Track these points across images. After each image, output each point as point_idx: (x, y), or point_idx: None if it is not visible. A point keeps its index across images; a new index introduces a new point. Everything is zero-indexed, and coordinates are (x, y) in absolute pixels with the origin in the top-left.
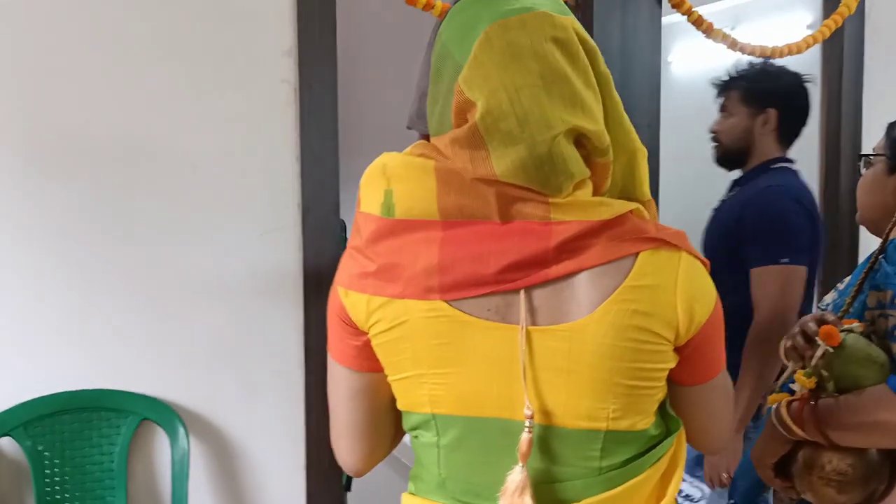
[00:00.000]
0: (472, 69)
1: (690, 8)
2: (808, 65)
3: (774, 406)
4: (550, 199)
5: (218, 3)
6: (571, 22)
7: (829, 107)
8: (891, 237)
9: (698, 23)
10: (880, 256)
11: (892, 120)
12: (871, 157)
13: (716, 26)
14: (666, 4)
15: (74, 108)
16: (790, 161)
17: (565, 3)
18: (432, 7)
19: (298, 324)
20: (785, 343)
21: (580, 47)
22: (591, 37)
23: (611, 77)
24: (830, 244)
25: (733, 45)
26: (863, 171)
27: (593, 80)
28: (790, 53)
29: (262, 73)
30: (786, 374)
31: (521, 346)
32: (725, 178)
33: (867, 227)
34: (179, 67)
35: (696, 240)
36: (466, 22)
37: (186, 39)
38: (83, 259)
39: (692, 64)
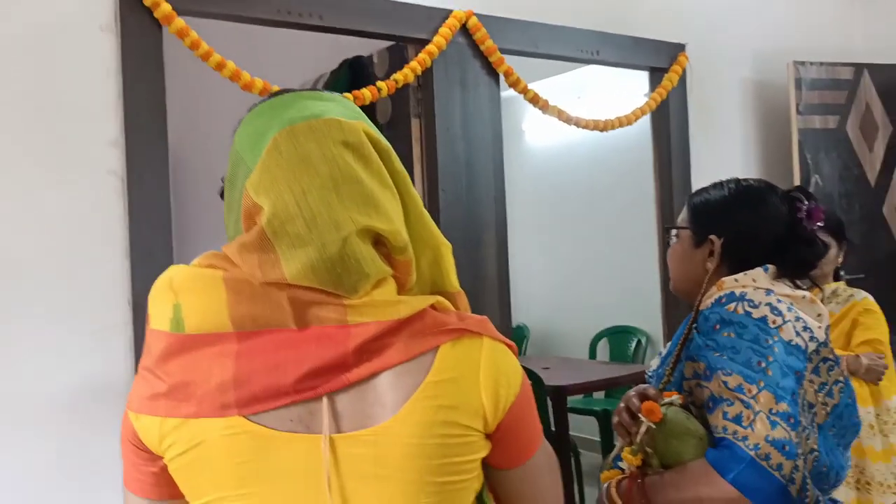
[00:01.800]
0: (260, 174)
1: (526, 86)
2: (641, 135)
3: (605, 485)
4: (346, 301)
5: (36, 93)
6: (363, 126)
7: (660, 174)
8: (701, 308)
9: (534, 100)
10: (693, 326)
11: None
12: (677, 229)
13: (563, 95)
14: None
15: None
16: None
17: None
18: (269, 92)
19: None
20: (613, 419)
21: (372, 149)
22: (433, 117)
23: (407, 175)
24: (673, 304)
25: (567, 119)
26: (671, 241)
27: (389, 180)
28: (621, 126)
29: (87, 165)
30: (614, 451)
31: (324, 455)
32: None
33: (680, 297)
34: None
35: (585, 302)
36: (257, 129)
37: (3, 134)
38: None
39: (546, 130)
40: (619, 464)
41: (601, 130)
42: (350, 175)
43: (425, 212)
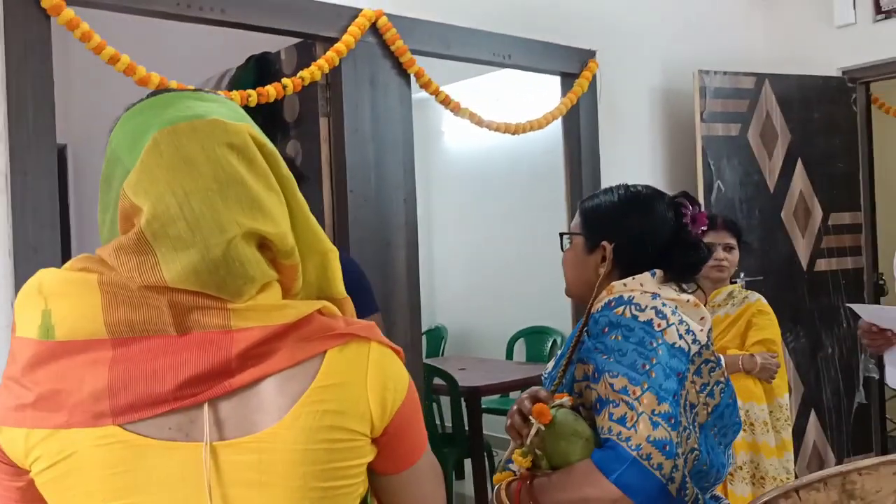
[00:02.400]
0: (139, 174)
1: (438, 88)
2: (556, 138)
3: (496, 486)
4: (230, 305)
5: None
6: (248, 128)
7: (571, 177)
8: (592, 311)
9: (446, 102)
10: (584, 329)
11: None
12: (570, 235)
13: (481, 98)
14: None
15: None
16: None
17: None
18: (166, 87)
19: None
20: (506, 422)
21: (257, 152)
22: (342, 117)
23: (293, 180)
24: (583, 306)
25: (479, 122)
26: (565, 247)
27: (275, 183)
28: (532, 129)
29: None
30: (507, 453)
31: (205, 463)
32: (506, 241)
33: (576, 300)
34: None
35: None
36: (137, 128)
37: None
38: None
39: (465, 133)
40: (510, 466)
41: (513, 133)
42: (234, 177)
43: (312, 217)
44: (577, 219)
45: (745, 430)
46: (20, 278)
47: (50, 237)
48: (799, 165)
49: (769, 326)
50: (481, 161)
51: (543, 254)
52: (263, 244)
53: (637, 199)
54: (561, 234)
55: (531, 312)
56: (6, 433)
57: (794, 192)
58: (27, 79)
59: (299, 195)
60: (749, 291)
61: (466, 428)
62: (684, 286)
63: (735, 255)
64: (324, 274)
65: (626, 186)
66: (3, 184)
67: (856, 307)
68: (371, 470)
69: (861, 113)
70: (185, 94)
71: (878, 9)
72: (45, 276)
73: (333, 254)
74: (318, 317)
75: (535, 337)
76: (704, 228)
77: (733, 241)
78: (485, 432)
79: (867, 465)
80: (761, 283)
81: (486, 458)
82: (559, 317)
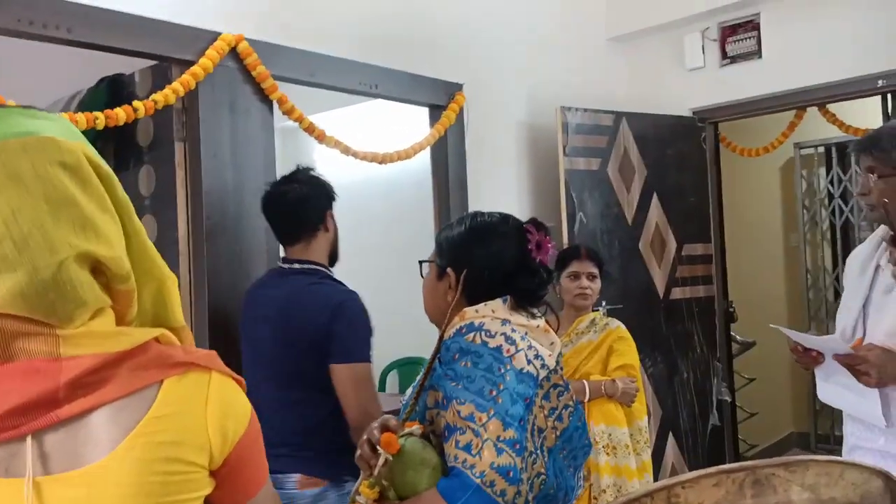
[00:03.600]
0: None
1: (301, 115)
2: (424, 169)
3: None
4: (59, 332)
5: None
6: (82, 147)
7: (439, 205)
8: (444, 338)
9: (310, 130)
10: (436, 356)
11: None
12: (425, 262)
13: (350, 128)
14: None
15: None
16: None
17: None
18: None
19: None
20: (356, 453)
21: (92, 172)
22: (198, 142)
23: (130, 204)
24: None
25: (346, 150)
26: (424, 274)
27: (110, 205)
28: (400, 159)
29: None
30: (356, 485)
31: (27, 501)
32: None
33: (435, 326)
34: None
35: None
36: None
37: None
38: None
39: (338, 161)
40: (358, 498)
41: (380, 163)
42: (67, 197)
43: (149, 242)
44: (434, 247)
45: (608, 454)
46: None
47: None
48: (655, 199)
49: (629, 352)
50: (354, 191)
51: (415, 284)
52: (97, 268)
53: (481, 229)
54: (420, 262)
55: (404, 343)
56: None
57: (651, 224)
58: None
59: (136, 220)
60: (610, 318)
61: None
62: (535, 311)
63: (597, 284)
64: (161, 301)
65: (475, 215)
66: None
67: (783, 330)
68: None
69: (710, 150)
70: (16, 111)
71: (724, 54)
72: None
73: (172, 281)
74: (154, 344)
75: (407, 368)
76: (549, 254)
77: (596, 271)
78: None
79: (689, 479)
80: (621, 310)
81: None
82: (430, 347)
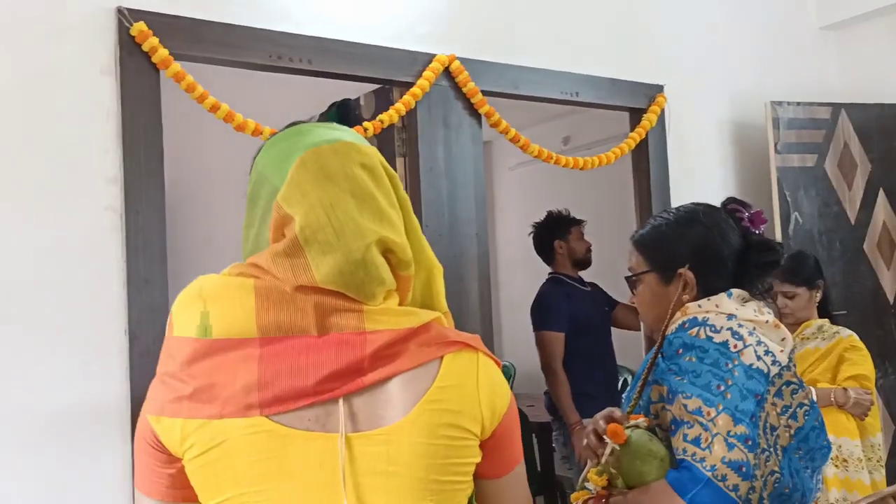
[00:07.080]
0: (290, 188)
1: (508, 127)
2: (621, 173)
3: None
4: (364, 308)
5: (39, 133)
6: (375, 152)
7: (640, 211)
8: (667, 333)
9: (515, 139)
10: (659, 351)
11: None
12: (638, 276)
13: (549, 141)
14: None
15: None
16: None
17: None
18: (261, 133)
19: (125, 456)
20: (582, 442)
21: (384, 173)
22: (417, 157)
23: (409, 201)
24: None
25: (548, 157)
26: (635, 290)
27: (396, 201)
28: (601, 164)
29: (86, 201)
30: (584, 473)
31: (340, 453)
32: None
33: (657, 334)
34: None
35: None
36: (282, 151)
37: (8, 171)
38: None
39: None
40: (587, 485)
41: (581, 169)
42: (367, 192)
43: (423, 235)
44: (636, 257)
45: (837, 467)
46: (133, 309)
47: (159, 271)
48: (881, 195)
49: (863, 363)
50: (547, 195)
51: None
52: (385, 256)
53: (695, 217)
54: (627, 278)
55: None
56: (164, 423)
57: (878, 222)
58: (140, 127)
59: (413, 215)
60: (839, 327)
61: (538, 468)
62: (765, 307)
63: (799, 300)
64: (429, 289)
65: (673, 210)
66: (118, 221)
67: None
68: (474, 475)
69: None
70: (320, 124)
71: None
72: (206, 282)
73: (439, 270)
74: (434, 324)
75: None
76: (764, 227)
77: (791, 290)
78: (557, 473)
79: None
80: (845, 317)
81: (558, 498)
82: (629, 354)
